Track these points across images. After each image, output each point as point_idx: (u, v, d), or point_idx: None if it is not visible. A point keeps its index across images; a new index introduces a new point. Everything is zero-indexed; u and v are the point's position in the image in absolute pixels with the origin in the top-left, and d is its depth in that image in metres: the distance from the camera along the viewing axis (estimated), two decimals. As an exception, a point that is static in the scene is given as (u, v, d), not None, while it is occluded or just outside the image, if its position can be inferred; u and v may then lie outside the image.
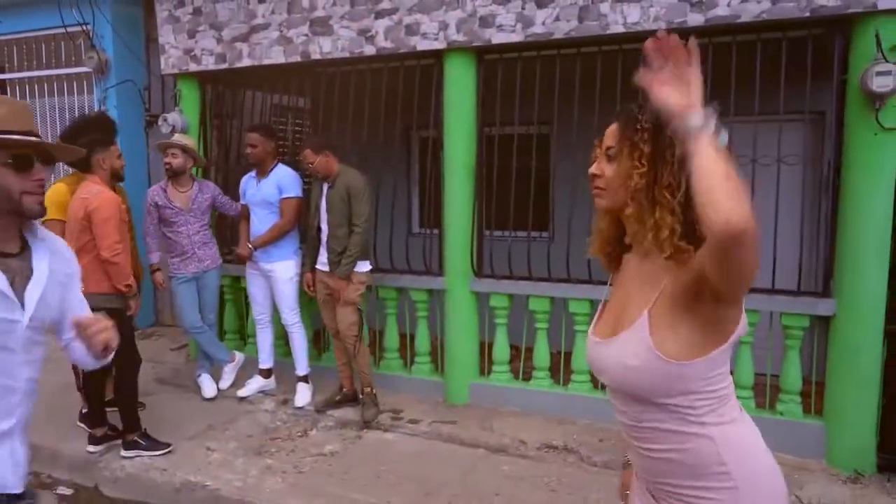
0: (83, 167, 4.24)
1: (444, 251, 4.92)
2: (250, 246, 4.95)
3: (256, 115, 5.76)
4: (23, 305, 1.75)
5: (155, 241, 5.10)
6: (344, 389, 4.98)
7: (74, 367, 4.58)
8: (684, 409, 1.41)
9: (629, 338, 1.44)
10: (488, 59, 4.70)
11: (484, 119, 4.74)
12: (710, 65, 4.08)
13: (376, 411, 4.80)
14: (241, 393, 5.20)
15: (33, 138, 1.72)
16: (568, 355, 4.79)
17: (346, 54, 4.93)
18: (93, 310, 4.19)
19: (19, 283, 1.76)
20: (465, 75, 4.68)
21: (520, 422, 4.68)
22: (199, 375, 5.30)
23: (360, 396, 4.89)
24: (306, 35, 5.04)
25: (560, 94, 4.48)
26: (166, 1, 5.56)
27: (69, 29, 6.27)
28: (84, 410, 4.67)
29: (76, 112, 6.69)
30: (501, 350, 4.93)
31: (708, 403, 1.41)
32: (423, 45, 4.67)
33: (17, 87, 7.13)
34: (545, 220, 5.32)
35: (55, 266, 1.86)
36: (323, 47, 5.00)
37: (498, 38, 4.46)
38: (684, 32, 4.03)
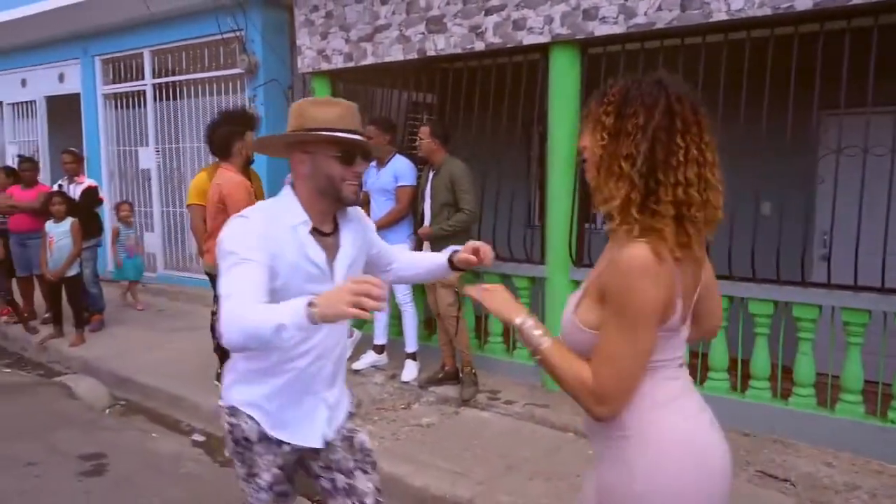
0: (223, 154, 4.82)
1: (546, 241, 5.05)
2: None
3: (393, 111, 6.20)
4: (332, 276, 2.01)
5: None
6: (446, 368, 5.26)
7: (213, 331, 5.20)
8: None
9: (568, 304, 1.63)
10: (592, 53, 4.76)
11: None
12: (820, 53, 3.96)
13: (475, 390, 5.03)
14: (356, 366, 5.63)
15: (358, 138, 1.97)
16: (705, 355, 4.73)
17: (459, 50, 5.19)
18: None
19: (330, 257, 2.02)
20: (569, 68, 4.78)
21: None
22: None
23: (461, 375, 5.15)
24: (422, 33, 5.36)
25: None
26: (304, 6, 6.11)
27: (224, 35, 7.02)
28: (219, 370, 5.29)
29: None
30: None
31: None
32: (528, 39, 4.82)
33: (182, 88, 8.08)
34: None
35: (357, 238, 2.14)
36: (437, 44, 5.29)
37: (601, 30, 4.52)
38: (792, 18, 3.96)
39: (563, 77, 4.80)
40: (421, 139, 5.02)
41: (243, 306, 1.69)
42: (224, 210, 4.66)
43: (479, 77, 5.27)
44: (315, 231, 2.00)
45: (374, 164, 5.44)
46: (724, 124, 4.32)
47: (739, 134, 3.95)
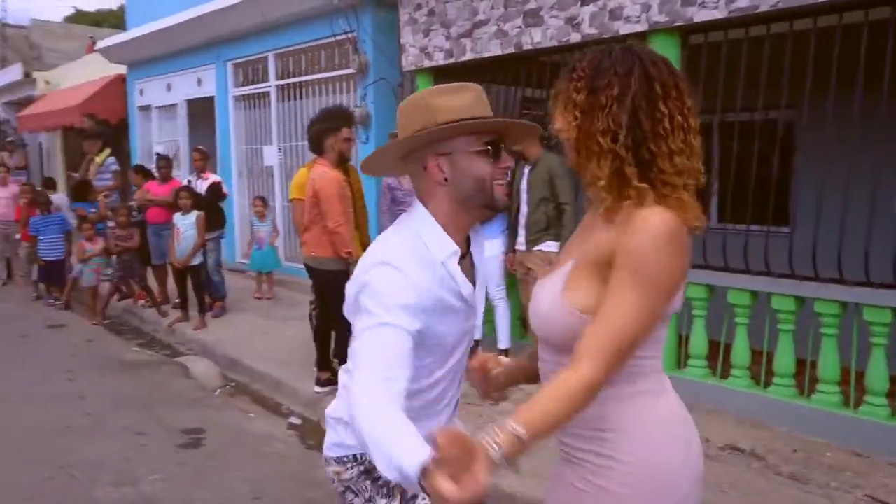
0: (317, 150, 5.01)
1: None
2: None
3: (507, 107, 6.19)
4: (475, 308, 1.70)
5: (387, 219, 5.76)
6: (536, 366, 5.18)
7: (311, 321, 5.42)
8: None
9: (548, 283, 1.46)
10: (693, 42, 4.51)
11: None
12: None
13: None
14: (449, 360, 5.67)
15: (511, 120, 1.65)
16: (770, 355, 4.42)
17: (554, 43, 5.09)
18: (317, 270, 4.93)
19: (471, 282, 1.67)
20: (669, 57, 4.55)
21: (709, 420, 4.44)
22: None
23: (551, 374, 5.05)
24: (520, 27, 5.30)
25: (769, 76, 4.15)
26: (408, 5, 6.23)
27: (337, 37, 7.29)
28: (318, 358, 5.50)
29: (343, 108, 7.77)
30: (698, 343, 4.71)
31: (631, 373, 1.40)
32: (625, 28, 4.64)
33: (301, 89, 8.47)
34: (743, 212, 4.95)
35: (480, 252, 1.78)
36: (534, 38, 5.21)
37: (700, 15, 4.27)
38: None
39: (662, 67, 4.57)
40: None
41: (377, 402, 1.33)
42: (317, 204, 4.85)
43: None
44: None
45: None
46: (838, 119, 3.99)
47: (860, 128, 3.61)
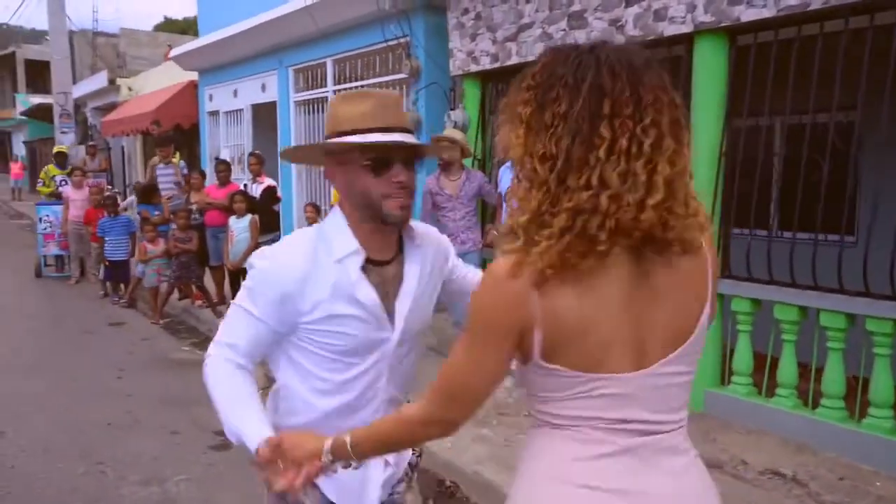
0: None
1: (685, 248, 4.64)
2: (495, 234, 5.31)
3: None
4: (392, 321, 1.65)
5: (429, 223, 5.74)
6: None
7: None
8: (533, 408, 1.31)
9: None
10: (741, 43, 4.29)
11: (734, 108, 4.34)
12: None
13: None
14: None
15: (388, 138, 1.55)
16: (819, 374, 4.14)
17: (598, 46, 4.94)
18: None
19: (392, 294, 1.65)
20: (715, 61, 4.34)
21: (750, 440, 4.21)
22: (457, 348, 5.84)
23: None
24: (564, 30, 5.18)
25: (822, 77, 3.89)
26: (456, 9, 6.19)
27: (389, 42, 7.32)
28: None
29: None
30: (743, 360, 4.47)
31: (540, 418, 1.28)
32: (670, 30, 4.46)
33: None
34: (790, 219, 4.67)
35: (427, 266, 1.72)
36: (577, 40, 5.07)
37: (748, 14, 4.05)
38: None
39: (708, 71, 4.37)
40: None
41: (221, 370, 1.60)
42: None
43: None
44: (370, 262, 1.61)
45: (509, 164, 5.36)
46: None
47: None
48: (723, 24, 4.20)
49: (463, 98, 6.40)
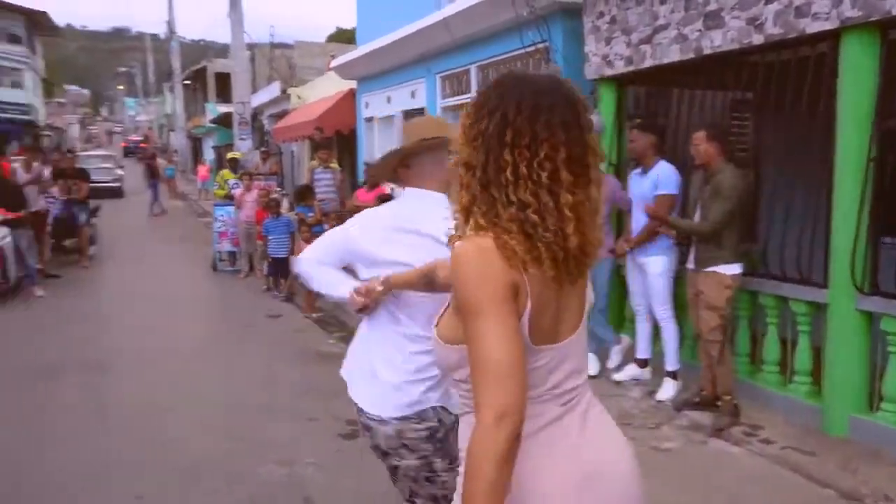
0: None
1: (829, 259, 4.32)
2: (625, 246, 5.22)
3: (714, 112, 5.90)
4: None
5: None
6: (703, 392, 4.84)
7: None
8: (463, 392, 1.46)
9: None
10: (893, 38, 3.93)
11: (885, 108, 3.99)
12: None
13: (730, 422, 4.56)
14: (616, 377, 5.51)
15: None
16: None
17: (735, 46, 4.71)
18: None
19: None
20: (864, 58, 4.01)
21: (897, 474, 3.86)
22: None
23: (719, 403, 4.70)
24: (699, 30, 4.98)
25: None
26: (591, 13, 6.14)
27: (527, 49, 7.38)
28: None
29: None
30: (894, 384, 4.10)
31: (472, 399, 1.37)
32: (813, 27, 4.17)
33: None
34: None
35: None
36: (714, 41, 4.87)
37: (901, 8, 3.71)
38: None
39: (855, 70, 4.04)
40: (696, 144, 4.68)
41: (317, 266, 2.41)
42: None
43: (790, 71, 4.66)
44: None
45: (639, 170, 5.25)
46: None
47: None
48: (872, 19, 3.87)
49: (598, 102, 6.32)
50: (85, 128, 73.22)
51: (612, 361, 5.72)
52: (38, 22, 37.13)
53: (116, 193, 25.02)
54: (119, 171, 27.47)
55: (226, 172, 11.95)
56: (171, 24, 32.87)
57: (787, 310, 4.76)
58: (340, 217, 8.20)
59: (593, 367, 5.67)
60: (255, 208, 10.42)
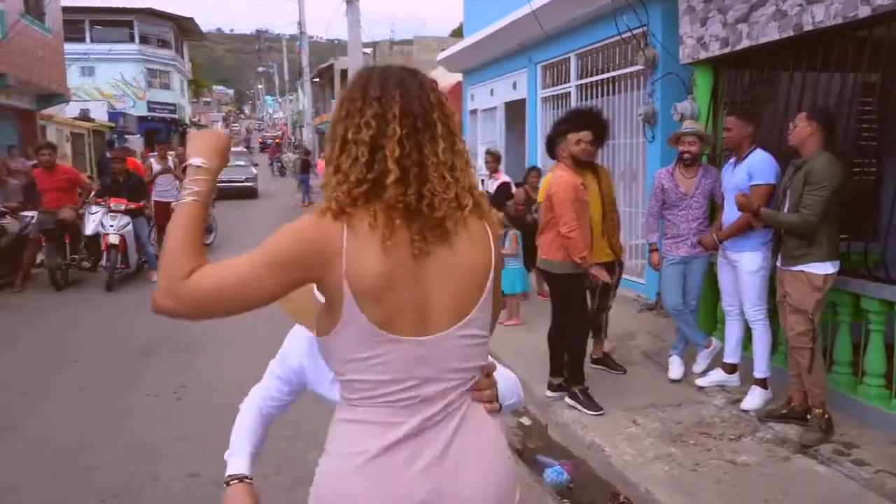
0: (552, 154, 5.00)
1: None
2: (715, 237, 4.83)
3: (842, 95, 5.39)
4: None
5: (656, 222, 5.41)
6: (792, 404, 4.40)
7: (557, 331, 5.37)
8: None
9: None
10: None
11: None
12: None
13: (820, 438, 4.11)
14: (700, 382, 5.14)
15: None
16: None
17: (839, 20, 4.22)
18: (550, 273, 5.01)
19: None
20: None
21: None
22: (671, 355, 5.45)
23: (809, 416, 4.25)
24: (800, 5, 4.51)
25: None
26: (687, -6, 5.75)
27: (623, 35, 7.03)
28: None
29: (629, 108, 7.48)
30: None
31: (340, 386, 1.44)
32: (927, -6, 3.66)
33: (594, 89, 8.36)
34: None
35: None
36: (815, 16, 4.40)
37: None
38: None
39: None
40: (795, 125, 4.23)
41: None
42: (550, 208, 4.80)
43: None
44: None
45: (732, 160, 4.84)
46: None
47: None
48: None
49: (693, 88, 5.91)
50: (228, 125, 78.20)
51: (699, 366, 5.34)
52: (185, 28, 40.06)
53: (250, 193, 23.25)
54: (253, 170, 25.33)
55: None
56: (301, 25, 34.35)
57: (893, 316, 4.23)
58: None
59: (676, 371, 5.32)
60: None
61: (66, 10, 19.62)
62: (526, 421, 5.10)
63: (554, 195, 4.72)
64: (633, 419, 4.68)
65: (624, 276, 5.89)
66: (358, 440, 1.37)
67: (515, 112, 10.79)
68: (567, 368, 4.97)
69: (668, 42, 6.66)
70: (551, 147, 5.04)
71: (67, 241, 9.23)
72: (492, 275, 1.46)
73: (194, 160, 1.41)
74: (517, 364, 5.76)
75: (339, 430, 1.43)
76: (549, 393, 5.11)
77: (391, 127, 1.36)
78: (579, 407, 4.81)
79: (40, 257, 9.48)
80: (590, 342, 5.20)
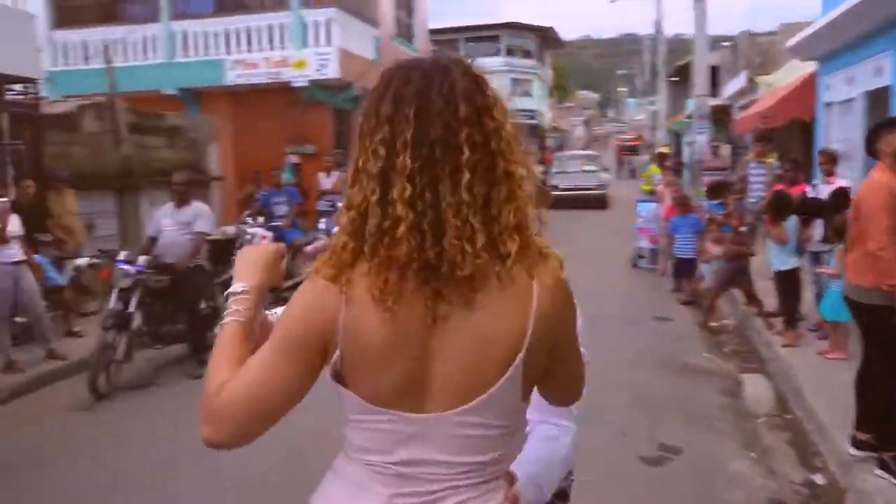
0: (870, 152, 4.02)
1: None
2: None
3: None
4: None
5: None
6: None
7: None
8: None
9: None
10: None
11: None
12: None
13: None
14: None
15: None
16: None
17: None
18: (856, 303, 4.06)
19: None
20: None
21: None
22: None
23: None
24: None
25: None
26: None
27: None
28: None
29: None
30: None
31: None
32: None
33: None
34: None
35: None
36: None
37: None
38: None
39: None
40: None
41: None
42: (859, 218, 3.86)
43: None
44: None
45: None
46: None
47: None
48: None
49: None
50: (590, 129, 79.56)
51: None
52: (547, 37, 42.15)
53: (598, 203, 18.94)
54: (605, 176, 20.70)
55: (653, 168, 11.70)
56: (657, 24, 33.49)
57: None
58: (740, 215, 7.27)
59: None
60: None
61: (442, 30, 21.86)
62: (819, 479, 4.20)
63: (863, 201, 3.80)
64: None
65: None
66: (334, 496, 1.26)
67: (878, 103, 8.93)
68: (874, 425, 3.96)
69: None
70: (870, 142, 4.07)
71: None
72: (523, 351, 1.14)
73: (236, 286, 1.30)
74: (822, 406, 4.79)
75: (326, 478, 1.31)
76: (851, 451, 4.13)
77: (401, 159, 1.10)
78: (892, 479, 3.80)
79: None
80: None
